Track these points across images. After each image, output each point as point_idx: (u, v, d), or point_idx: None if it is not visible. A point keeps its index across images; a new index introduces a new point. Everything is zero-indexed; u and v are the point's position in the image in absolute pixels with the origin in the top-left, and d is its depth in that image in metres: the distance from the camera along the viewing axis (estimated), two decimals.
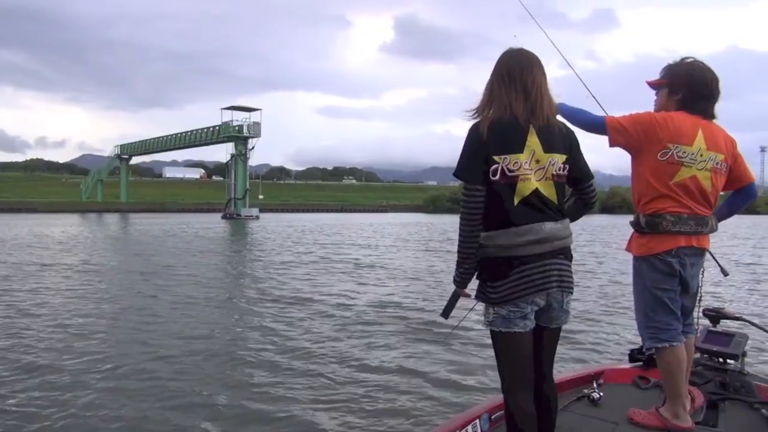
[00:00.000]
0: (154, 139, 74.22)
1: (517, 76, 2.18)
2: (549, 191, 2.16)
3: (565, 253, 2.22)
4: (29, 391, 5.27)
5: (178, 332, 7.67)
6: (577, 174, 2.27)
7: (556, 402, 2.35)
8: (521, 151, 2.12)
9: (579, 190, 2.35)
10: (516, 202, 2.12)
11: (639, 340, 2.77)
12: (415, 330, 7.86)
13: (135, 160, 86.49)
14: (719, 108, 2.58)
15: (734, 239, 27.08)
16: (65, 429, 4.49)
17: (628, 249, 2.65)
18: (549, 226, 2.15)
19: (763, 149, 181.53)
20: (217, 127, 61.70)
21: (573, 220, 2.36)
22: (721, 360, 3.19)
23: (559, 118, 2.36)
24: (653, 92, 2.72)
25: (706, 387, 2.95)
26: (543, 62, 2.27)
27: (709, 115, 2.56)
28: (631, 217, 2.63)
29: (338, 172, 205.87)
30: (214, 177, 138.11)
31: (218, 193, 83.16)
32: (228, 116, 61.28)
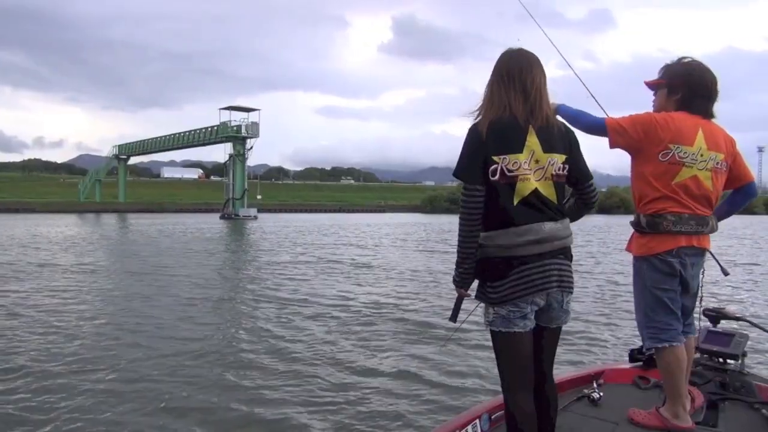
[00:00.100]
0: (153, 139, 74.10)
1: (516, 76, 2.18)
2: (548, 191, 2.16)
3: (565, 253, 2.22)
4: (17, 393, 5.21)
5: (173, 334, 7.61)
6: (577, 174, 2.27)
7: (556, 402, 2.35)
8: (520, 151, 2.12)
9: (579, 190, 2.35)
10: (515, 202, 2.12)
11: (639, 340, 2.76)
12: (414, 331, 7.84)
13: (133, 160, 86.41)
14: (717, 108, 2.58)
15: (732, 239, 27.11)
16: None
17: (629, 249, 2.64)
18: (549, 226, 2.15)
19: (760, 149, 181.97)
20: (216, 128, 61.62)
21: (573, 220, 2.36)
22: (721, 360, 3.19)
23: (559, 118, 2.35)
24: (651, 92, 2.72)
25: (706, 387, 2.95)
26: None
27: (709, 115, 2.56)
28: (628, 218, 2.63)
29: (336, 173, 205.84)
30: (212, 177, 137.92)
31: (216, 194, 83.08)
32: (226, 116, 61.22)
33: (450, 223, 44.04)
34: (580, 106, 2.57)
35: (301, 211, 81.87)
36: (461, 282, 2.25)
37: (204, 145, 66.85)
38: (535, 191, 2.13)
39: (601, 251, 20.83)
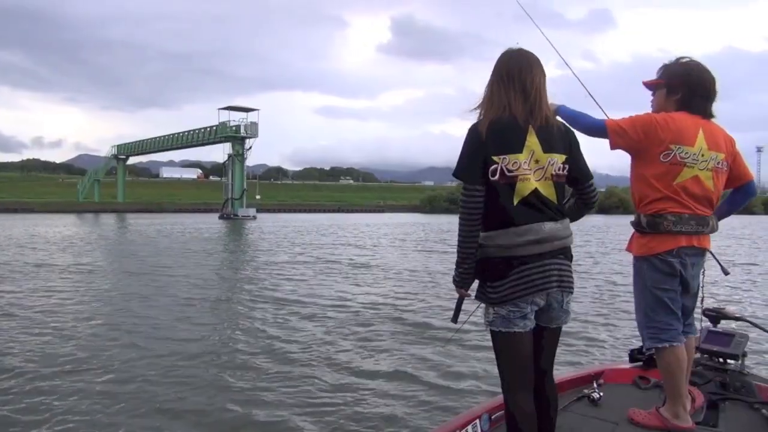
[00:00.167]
0: (151, 139, 74.03)
1: (516, 76, 2.18)
2: (548, 191, 2.16)
3: (565, 253, 2.22)
4: (9, 394, 5.17)
5: (169, 334, 7.56)
6: (577, 174, 2.27)
7: (556, 402, 2.35)
8: (520, 151, 2.12)
9: (579, 190, 2.35)
10: (515, 202, 2.12)
11: (638, 340, 2.76)
12: (412, 331, 7.81)
13: (132, 160, 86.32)
14: (716, 108, 2.58)
15: (730, 239, 27.13)
16: None
17: (629, 249, 2.64)
18: (549, 226, 2.15)
19: (759, 149, 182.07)
20: (215, 128, 61.56)
21: (574, 220, 2.36)
22: (721, 360, 3.19)
23: (559, 119, 2.35)
24: (649, 92, 2.71)
25: (707, 387, 2.95)
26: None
27: (709, 115, 2.56)
28: (627, 218, 2.63)
29: (335, 173, 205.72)
30: (211, 177, 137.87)
31: (215, 194, 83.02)
32: (225, 116, 61.15)
33: (449, 223, 44.05)
34: (579, 106, 2.57)
35: (300, 211, 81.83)
36: (461, 282, 2.25)
37: (203, 145, 66.80)
38: (535, 191, 2.13)
39: (600, 251, 20.83)
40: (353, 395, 5.23)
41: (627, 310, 8.88)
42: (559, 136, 2.20)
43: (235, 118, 60.76)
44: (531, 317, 2.17)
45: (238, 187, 59.58)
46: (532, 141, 2.13)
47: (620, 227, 37.04)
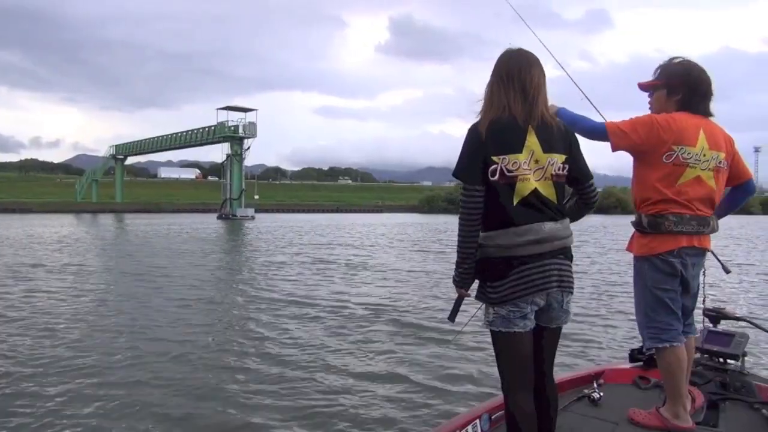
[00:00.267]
0: (150, 139, 73.94)
1: (515, 76, 2.19)
2: (548, 191, 2.16)
3: (565, 253, 2.22)
4: None
5: (162, 336, 7.45)
6: (577, 174, 2.27)
7: (556, 402, 2.35)
8: (520, 152, 2.12)
9: (579, 190, 2.36)
10: (515, 202, 2.12)
11: (639, 340, 2.76)
12: (410, 332, 7.77)
13: (130, 160, 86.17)
14: (714, 109, 2.59)
15: (729, 239, 27.16)
16: None
17: (629, 249, 2.64)
18: (549, 226, 2.15)
19: (756, 149, 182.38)
20: (213, 128, 61.51)
21: (574, 220, 2.37)
22: (721, 360, 3.19)
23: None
24: (644, 94, 2.70)
25: (707, 387, 2.96)
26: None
27: (708, 114, 2.57)
28: (625, 218, 2.63)
29: (334, 173, 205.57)
30: (209, 177, 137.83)
31: (214, 194, 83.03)
32: (224, 116, 61.09)
33: (447, 223, 44.06)
34: (576, 108, 2.56)
35: (298, 211, 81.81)
36: (461, 282, 2.25)
37: (201, 145, 66.75)
38: (535, 191, 2.13)
39: (597, 251, 20.83)
40: (350, 398, 5.15)
41: (626, 311, 8.88)
42: (559, 136, 2.20)
43: (234, 118, 60.79)
44: (531, 317, 2.17)
45: (237, 187, 59.55)
46: (532, 141, 2.13)
47: (618, 227, 37.07)
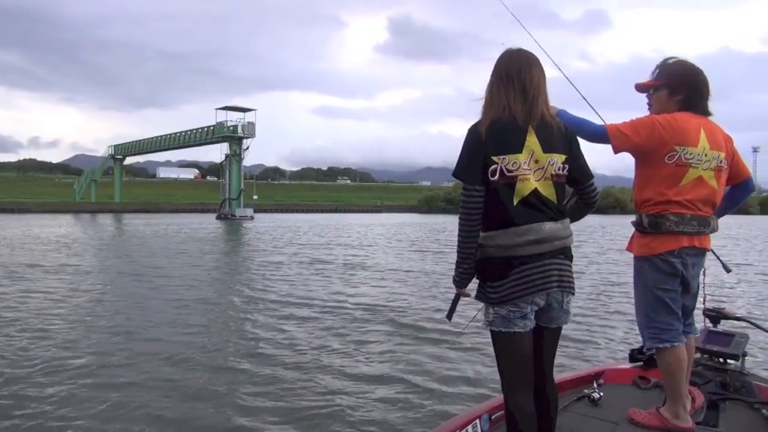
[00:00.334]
0: (149, 139, 73.94)
1: (515, 76, 2.19)
2: (548, 191, 2.16)
3: (566, 253, 2.22)
4: None
5: (158, 337, 7.37)
6: (577, 174, 2.27)
7: (556, 402, 2.35)
8: (520, 152, 2.12)
9: (579, 190, 2.35)
10: (515, 202, 2.12)
11: (639, 340, 2.76)
12: (410, 332, 7.76)
13: (129, 160, 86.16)
14: (711, 109, 2.59)
15: (726, 239, 27.18)
16: None
17: (629, 249, 2.64)
18: (549, 226, 2.15)
19: (755, 150, 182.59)
20: (212, 128, 61.52)
21: (575, 220, 2.36)
22: (721, 360, 3.19)
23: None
24: (641, 94, 2.70)
25: (707, 387, 2.96)
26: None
27: (707, 113, 2.56)
28: (624, 218, 2.63)
29: (333, 173, 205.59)
30: (208, 177, 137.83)
31: (212, 194, 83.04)
32: (222, 116, 61.11)
33: (445, 223, 44.08)
34: (574, 108, 2.56)
35: (297, 212, 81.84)
36: (461, 282, 2.26)
37: (200, 145, 66.74)
38: (535, 191, 2.13)
39: (595, 251, 20.84)
40: (348, 399, 5.11)
41: (624, 311, 8.89)
42: (559, 136, 2.20)
43: (233, 118, 60.85)
44: (531, 317, 2.17)
45: (236, 187, 59.55)
46: (532, 141, 2.13)
47: (616, 227, 37.11)
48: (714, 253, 2.71)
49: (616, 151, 2.49)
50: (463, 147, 2.18)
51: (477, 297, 2.24)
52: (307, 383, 5.53)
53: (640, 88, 2.67)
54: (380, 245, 24.35)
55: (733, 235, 31.63)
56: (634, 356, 3.35)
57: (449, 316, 2.35)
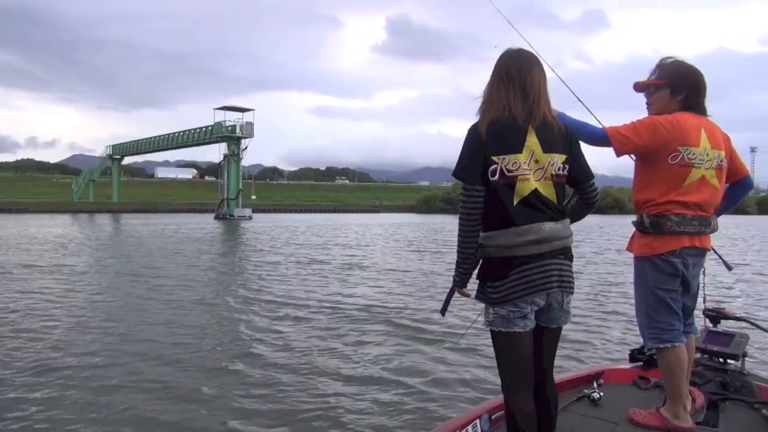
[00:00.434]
0: (147, 139, 73.90)
1: (515, 76, 2.18)
2: (548, 191, 2.16)
3: (566, 253, 2.22)
4: None
5: (151, 337, 7.31)
6: (577, 174, 2.26)
7: (556, 402, 2.35)
8: (520, 152, 2.11)
9: (580, 190, 2.35)
10: (515, 202, 2.12)
11: (636, 340, 2.75)
12: (408, 332, 7.74)
13: (127, 160, 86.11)
14: (709, 109, 2.59)
15: (724, 239, 27.21)
16: None
17: (630, 249, 2.63)
18: (549, 226, 2.14)
19: (752, 150, 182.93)
20: (210, 128, 61.51)
21: (575, 220, 2.36)
22: (721, 360, 3.19)
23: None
24: (638, 94, 2.69)
25: (707, 387, 2.96)
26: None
27: (706, 113, 2.56)
28: (622, 218, 2.62)
29: (331, 173, 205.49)
30: (206, 177, 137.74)
31: (211, 194, 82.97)
32: (221, 116, 61.12)
33: (443, 223, 44.09)
34: (569, 108, 2.55)
35: (295, 212, 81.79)
36: (461, 282, 2.26)
37: (198, 145, 66.73)
38: (535, 191, 2.13)
39: (593, 251, 20.85)
40: (345, 400, 5.07)
41: (622, 311, 8.90)
42: (560, 136, 2.20)
43: (231, 118, 60.84)
44: (531, 317, 2.17)
45: (234, 187, 59.52)
46: (532, 141, 2.13)
47: (614, 227, 37.16)
48: (715, 251, 2.71)
49: (619, 154, 2.49)
50: (463, 147, 2.18)
51: (477, 297, 2.24)
52: (303, 385, 5.48)
53: (640, 87, 2.66)
54: (378, 245, 24.34)
55: (731, 234, 31.67)
56: (634, 356, 3.35)
57: (443, 311, 2.36)
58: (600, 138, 2.48)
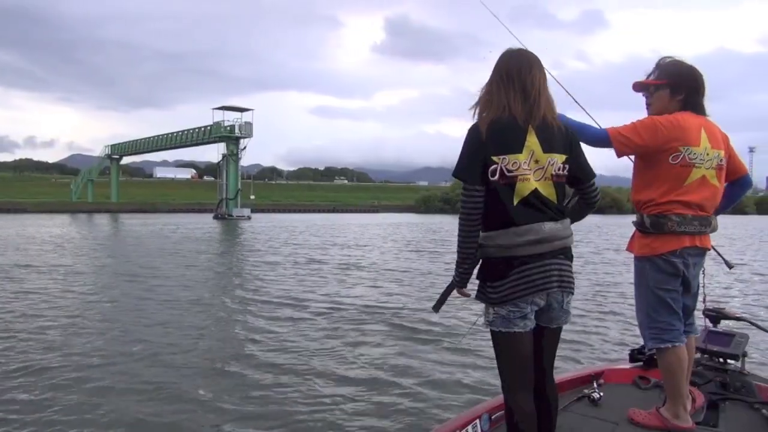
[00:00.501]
0: (145, 139, 73.86)
1: (516, 76, 2.18)
2: (548, 191, 2.16)
3: (566, 253, 2.21)
4: None
5: (147, 338, 7.25)
6: (578, 174, 2.26)
7: (556, 402, 2.35)
8: (520, 152, 2.11)
9: (581, 190, 2.35)
10: (515, 202, 2.12)
11: (638, 340, 2.75)
12: (406, 332, 7.73)
13: (125, 160, 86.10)
14: (708, 109, 2.59)
15: (723, 239, 27.23)
16: None
17: (630, 249, 2.63)
18: (549, 226, 2.14)
19: (751, 150, 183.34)
20: (209, 127, 61.47)
21: (576, 220, 2.36)
22: (721, 360, 3.19)
23: None
24: (637, 94, 2.69)
25: (707, 387, 2.96)
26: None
27: (705, 113, 2.56)
28: (620, 218, 2.62)
29: (330, 173, 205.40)
30: (205, 177, 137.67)
31: (209, 194, 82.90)
32: (220, 116, 61.12)
33: (442, 223, 44.09)
34: (566, 109, 2.54)
35: (294, 212, 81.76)
36: (461, 282, 2.25)
37: (197, 145, 66.71)
38: (535, 191, 2.13)
39: (591, 251, 20.86)
40: (344, 401, 5.05)
41: (620, 311, 8.88)
42: (560, 136, 2.19)
43: (230, 118, 60.81)
44: (531, 317, 2.16)
45: (233, 187, 59.51)
46: (532, 141, 2.13)
47: (612, 227, 37.19)
48: (716, 250, 2.71)
49: (619, 155, 2.48)
50: (464, 147, 2.17)
51: (477, 297, 2.23)
52: (300, 386, 5.45)
53: (640, 87, 2.66)
54: (376, 245, 24.33)
55: (729, 234, 31.71)
56: (634, 356, 3.34)
57: (437, 308, 2.35)
58: (601, 139, 2.48)
